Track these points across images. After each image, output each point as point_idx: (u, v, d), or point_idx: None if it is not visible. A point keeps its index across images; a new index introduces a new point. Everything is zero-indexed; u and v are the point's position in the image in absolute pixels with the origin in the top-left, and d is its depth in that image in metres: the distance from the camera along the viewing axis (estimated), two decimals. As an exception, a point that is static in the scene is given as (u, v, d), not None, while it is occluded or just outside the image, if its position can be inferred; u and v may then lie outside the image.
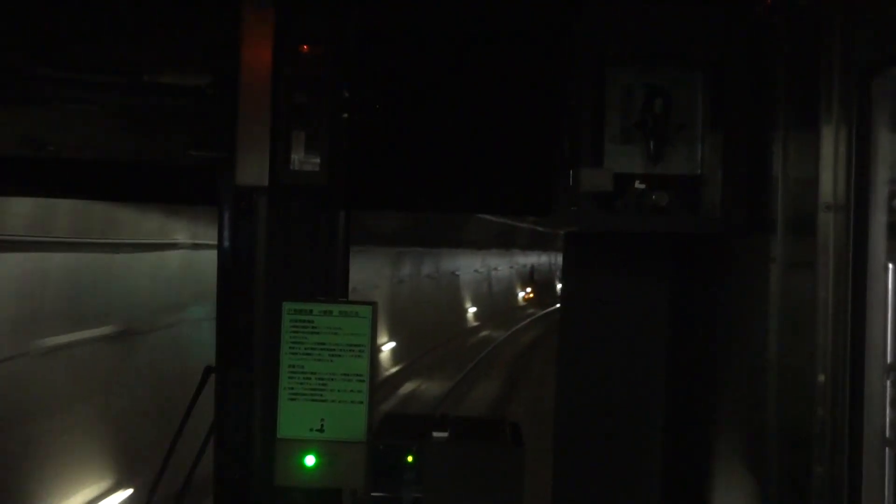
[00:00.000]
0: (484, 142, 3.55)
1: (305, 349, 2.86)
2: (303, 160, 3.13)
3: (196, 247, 11.31)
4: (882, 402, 2.14)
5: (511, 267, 41.35)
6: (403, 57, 3.53)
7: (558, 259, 46.58)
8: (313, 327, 2.86)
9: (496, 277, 39.47)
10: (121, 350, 10.05)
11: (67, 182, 4.42)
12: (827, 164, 2.25)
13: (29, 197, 7.46)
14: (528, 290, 42.67)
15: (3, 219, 7.82)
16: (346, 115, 3.23)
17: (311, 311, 2.87)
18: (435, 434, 2.97)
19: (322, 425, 2.84)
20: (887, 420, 2.14)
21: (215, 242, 3.49)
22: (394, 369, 23.98)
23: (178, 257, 11.42)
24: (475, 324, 35.28)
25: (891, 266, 2.15)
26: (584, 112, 2.88)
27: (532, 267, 43.49)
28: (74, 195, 6.97)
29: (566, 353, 3.70)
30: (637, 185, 2.88)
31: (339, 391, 2.85)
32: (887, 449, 2.14)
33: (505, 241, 35.16)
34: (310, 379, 2.86)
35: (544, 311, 39.68)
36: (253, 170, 3.09)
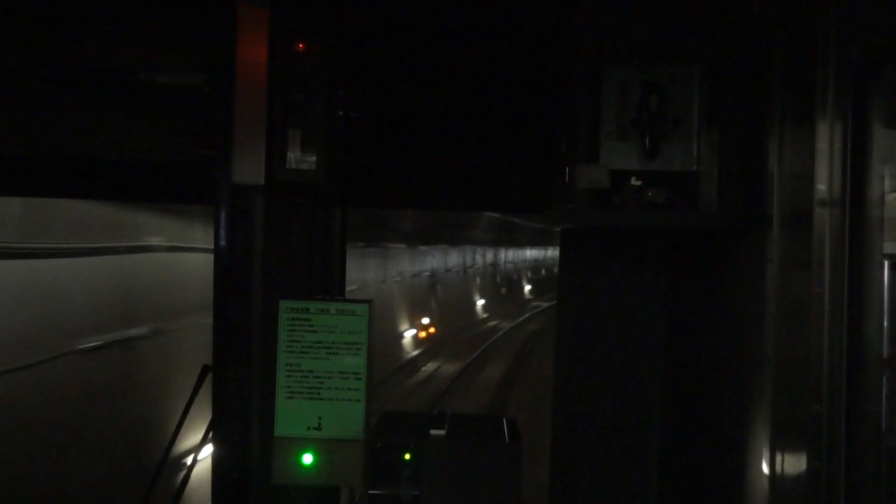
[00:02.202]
0: (480, 139, 3.56)
1: (302, 347, 2.86)
2: (299, 158, 3.13)
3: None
4: (879, 396, 2.15)
5: (394, 278, 23.45)
6: (399, 54, 3.53)
7: (477, 258, 30.16)
8: (310, 326, 2.86)
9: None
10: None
11: (62, 182, 4.41)
12: (822, 160, 2.25)
13: (23, 197, 7.49)
14: (426, 321, 24.63)
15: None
16: (341, 114, 3.23)
17: (307, 309, 2.86)
18: (432, 432, 2.97)
19: (319, 423, 2.84)
20: (883, 414, 2.14)
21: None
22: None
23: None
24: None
25: (886, 261, 2.15)
26: (580, 109, 2.89)
27: (432, 275, 26.49)
28: (69, 195, 6.97)
29: (563, 350, 3.71)
30: (633, 181, 2.88)
31: (336, 389, 2.85)
32: (884, 443, 2.15)
33: (378, 232, 19.79)
34: (307, 377, 2.85)
35: (464, 364, 21.56)
36: (249, 168, 3.09)
